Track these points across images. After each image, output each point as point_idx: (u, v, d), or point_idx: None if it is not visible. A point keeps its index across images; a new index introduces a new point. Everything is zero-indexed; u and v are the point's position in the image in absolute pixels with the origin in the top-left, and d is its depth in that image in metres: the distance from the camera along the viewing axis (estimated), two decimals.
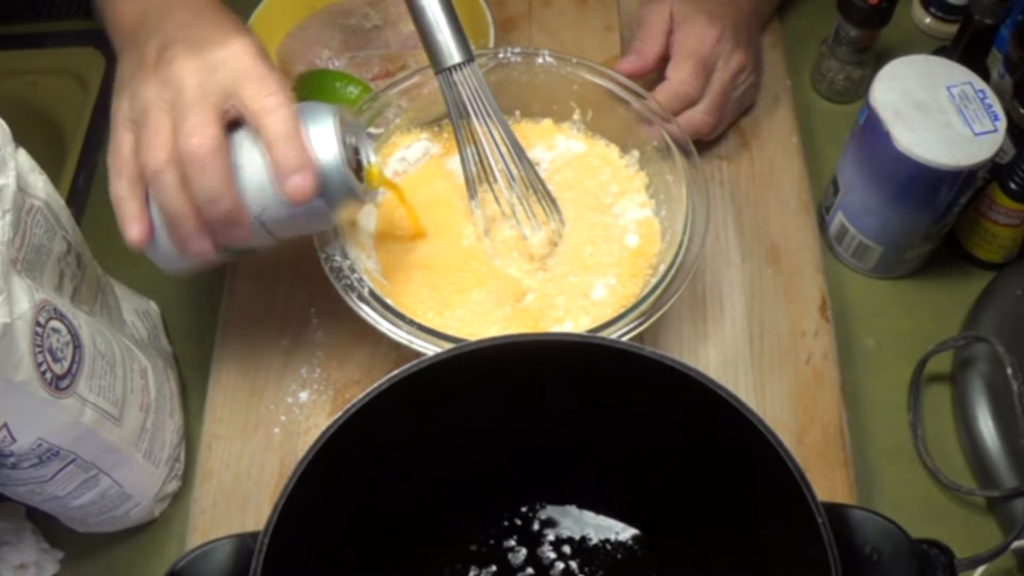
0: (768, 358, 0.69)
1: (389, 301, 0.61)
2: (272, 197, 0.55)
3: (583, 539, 0.61)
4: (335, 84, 0.78)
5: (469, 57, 0.64)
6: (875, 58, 0.81)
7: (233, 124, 0.55)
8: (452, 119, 0.65)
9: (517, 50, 0.71)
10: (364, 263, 0.65)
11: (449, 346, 0.55)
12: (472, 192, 0.67)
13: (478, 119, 0.64)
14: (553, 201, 0.67)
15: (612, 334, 0.59)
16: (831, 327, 0.70)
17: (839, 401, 0.67)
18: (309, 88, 0.79)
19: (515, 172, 0.66)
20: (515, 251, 0.67)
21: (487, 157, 0.65)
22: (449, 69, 0.64)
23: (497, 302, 0.65)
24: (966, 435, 0.68)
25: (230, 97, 0.54)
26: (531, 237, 0.66)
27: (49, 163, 0.59)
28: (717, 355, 0.70)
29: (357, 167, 0.58)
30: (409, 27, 0.79)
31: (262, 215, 0.56)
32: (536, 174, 0.67)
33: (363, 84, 0.77)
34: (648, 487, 0.58)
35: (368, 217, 0.68)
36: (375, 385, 0.48)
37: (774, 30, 0.86)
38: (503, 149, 0.65)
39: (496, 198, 0.66)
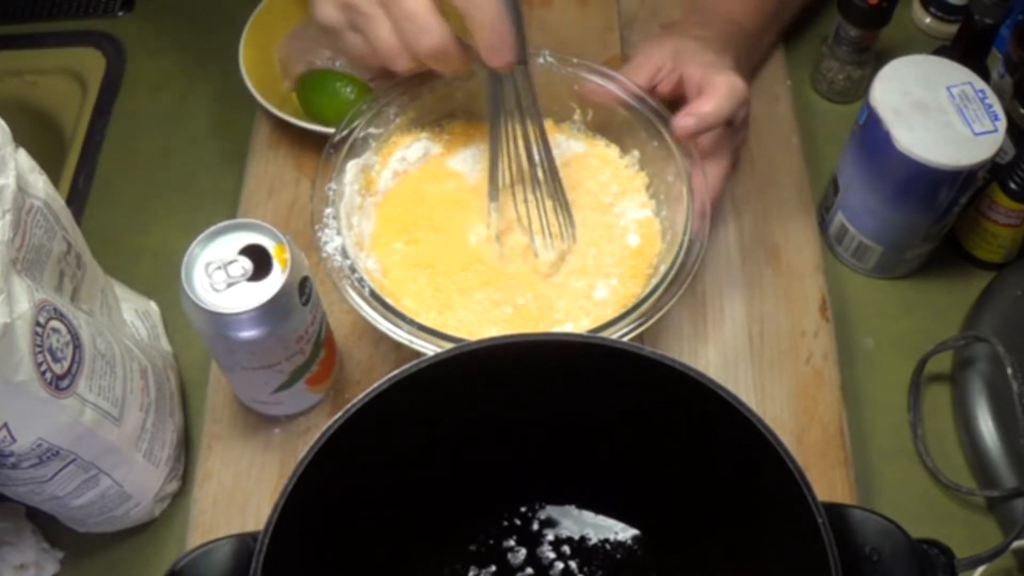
0: (768, 358, 0.69)
1: (389, 301, 0.61)
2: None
3: (582, 539, 0.61)
4: (335, 84, 0.78)
5: (523, 57, 0.62)
6: (875, 58, 0.81)
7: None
8: (492, 115, 0.64)
9: None
10: (364, 263, 0.65)
11: (449, 346, 0.55)
12: (493, 194, 0.67)
13: (523, 119, 0.63)
14: (570, 216, 0.67)
15: (612, 334, 0.59)
16: (831, 327, 0.70)
17: (839, 401, 0.67)
18: (309, 88, 0.79)
19: (541, 179, 0.65)
20: (521, 258, 0.66)
21: (522, 159, 0.64)
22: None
23: (497, 302, 0.65)
24: (966, 435, 0.68)
25: None
26: (541, 254, 0.66)
27: (49, 163, 0.59)
28: (717, 355, 0.70)
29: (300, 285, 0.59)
30: None
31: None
32: (562, 186, 0.66)
33: (363, 84, 0.77)
34: (648, 487, 0.58)
35: (368, 217, 0.68)
36: (375, 385, 0.48)
37: None
38: (538, 154, 0.64)
39: (515, 204, 0.66)
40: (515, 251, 0.67)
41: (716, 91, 0.66)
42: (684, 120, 0.66)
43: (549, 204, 0.66)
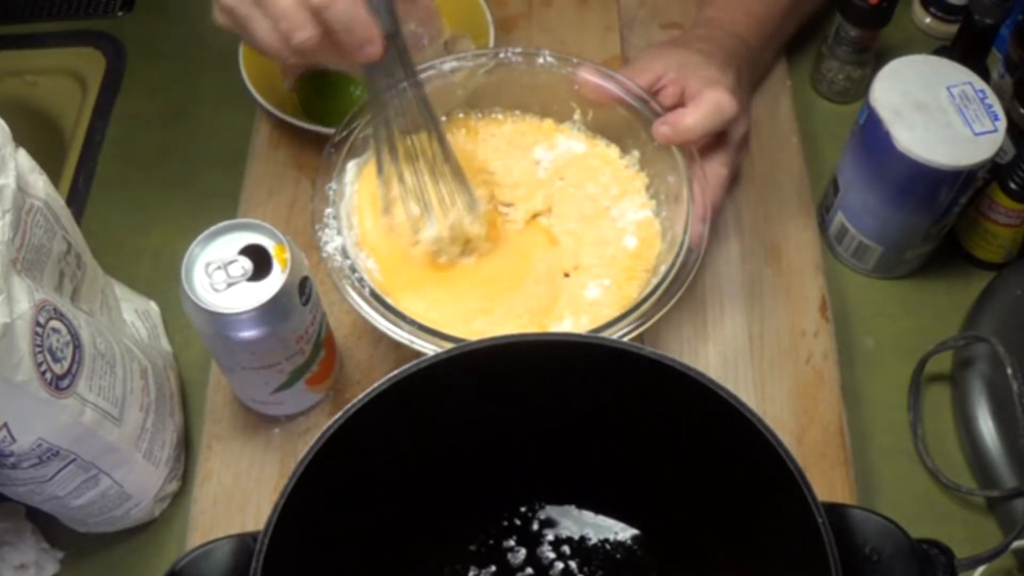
0: (768, 358, 0.69)
1: (389, 301, 0.61)
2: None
3: (582, 539, 0.61)
4: (335, 84, 0.78)
5: (396, 47, 0.61)
6: (875, 58, 0.81)
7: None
8: (370, 99, 0.64)
9: (517, 50, 0.70)
10: (364, 263, 0.65)
11: (449, 346, 0.55)
12: (379, 166, 0.65)
13: (402, 99, 0.63)
14: (462, 186, 0.65)
15: (612, 334, 0.59)
16: (831, 327, 0.70)
17: (839, 401, 0.67)
18: (309, 88, 0.79)
19: (420, 152, 0.64)
20: (409, 233, 0.65)
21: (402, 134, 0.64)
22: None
23: (506, 311, 0.65)
24: (966, 435, 0.68)
25: None
26: (422, 231, 0.65)
27: (49, 163, 0.59)
28: (717, 355, 0.70)
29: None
30: (409, 28, 0.79)
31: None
32: (450, 157, 0.64)
33: (363, 84, 0.77)
34: (648, 487, 0.58)
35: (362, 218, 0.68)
36: (375, 385, 0.48)
37: None
38: (419, 125, 0.64)
39: (400, 177, 0.64)
40: (403, 225, 0.65)
41: (700, 105, 0.66)
42: (661, 127, 0.66)
43: (428, 178, 0.64)
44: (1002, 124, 0.65)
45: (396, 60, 0.61)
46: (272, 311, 0.56)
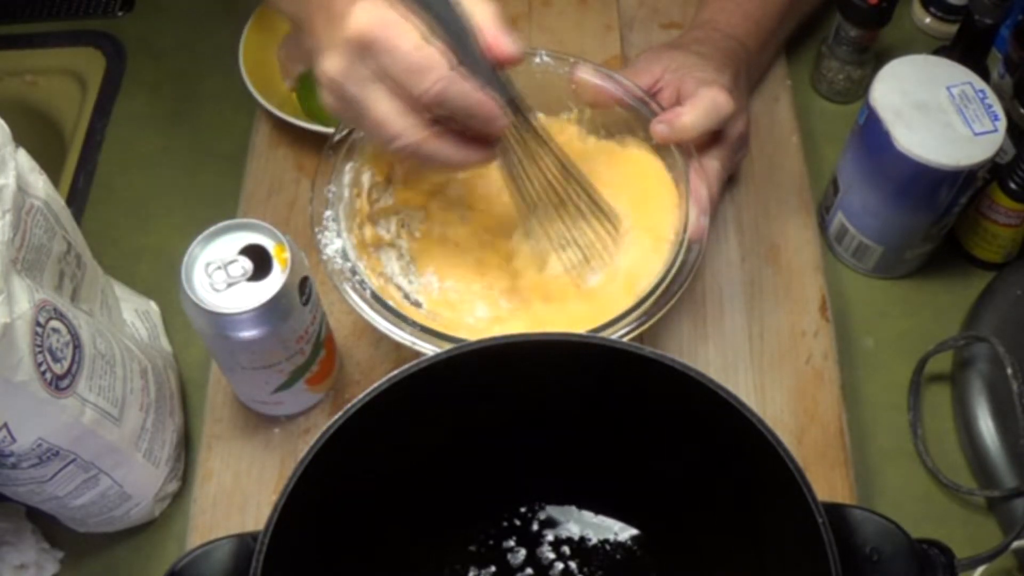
0: (768, 358, 0.69)
1: (391, 303, 0.61)
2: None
3: (582, 539, 0.61)
4: None
5: (516, 107, 0.58)
6: (875, 58, 0.81)
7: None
8: (504, 166, 0.61)
9: None
10: (365, 264, 0.65)
11: (449, 346, 0.55)
12: (525, 224, 0.64)
13: (532, 156, 0.61)
14: (609, 220, 0.64)
15: (612, 334, 0.59)
16: (831, 327, 0.70)
17: (839, 401, 0.67)
18: (309, 88, 0.79)
19: (566, 196, 0.62)
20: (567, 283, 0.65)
21: (539, 180, 0.61)
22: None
23: (509, 307, 0.65)
24: (966, 435, 0.68)
25: None
26: (584, 282, 0.64)
27: (49, 163, 0.59)
28: (717, 355, 0.69)
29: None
30: None
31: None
32: (591, 196, 0.63)
33: None
34: (648, 487, 0.58)
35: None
36: (375, 385, 0.48)
37: None
38: (557, 176, 0.62)
39: (550, 239, 0.63)
40: (559, 279, 0.65)
41: (696, 103, 0.66)
42: (658, 126, 0.66)
43: (584, 226, 0.63)
44: (1002, 124, 0.65)
45: (523, 123, 0.59)
46: (272, 311, 0.56)
